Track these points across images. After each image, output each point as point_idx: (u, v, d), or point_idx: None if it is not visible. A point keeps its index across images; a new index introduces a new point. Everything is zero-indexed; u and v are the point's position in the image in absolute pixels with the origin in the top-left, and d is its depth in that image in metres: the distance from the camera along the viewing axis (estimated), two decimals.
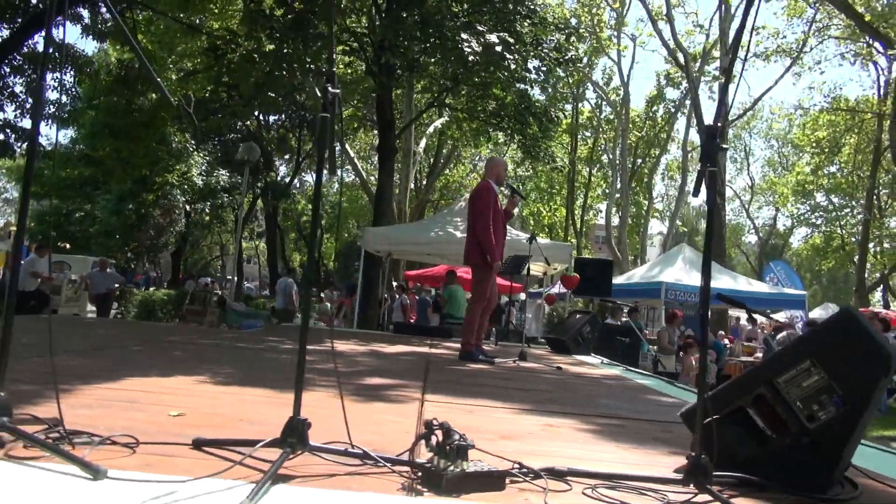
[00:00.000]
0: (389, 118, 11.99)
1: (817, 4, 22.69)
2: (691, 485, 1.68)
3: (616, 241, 27.12)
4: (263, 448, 1.65)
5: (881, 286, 38.33)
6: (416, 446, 1.75)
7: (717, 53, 24.98)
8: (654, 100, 33.12)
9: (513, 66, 9.63)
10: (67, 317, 11.24)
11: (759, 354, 13.45)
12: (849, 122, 30.72)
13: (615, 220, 28.30)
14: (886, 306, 36.06)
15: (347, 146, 24.60)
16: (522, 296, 20.43)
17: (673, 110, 31.99)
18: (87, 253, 20.58)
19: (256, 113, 32.80)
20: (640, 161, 32.81)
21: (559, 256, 9.82)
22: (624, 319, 11.17)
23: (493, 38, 9.05)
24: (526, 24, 9.99)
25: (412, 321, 13.37)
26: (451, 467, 1.58)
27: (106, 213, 21.37)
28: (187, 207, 22.06)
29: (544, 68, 11.12)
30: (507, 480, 1.67)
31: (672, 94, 31.61)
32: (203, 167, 22.44)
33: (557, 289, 14.57)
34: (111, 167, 11.67)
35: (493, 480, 1.63)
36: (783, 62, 25.99)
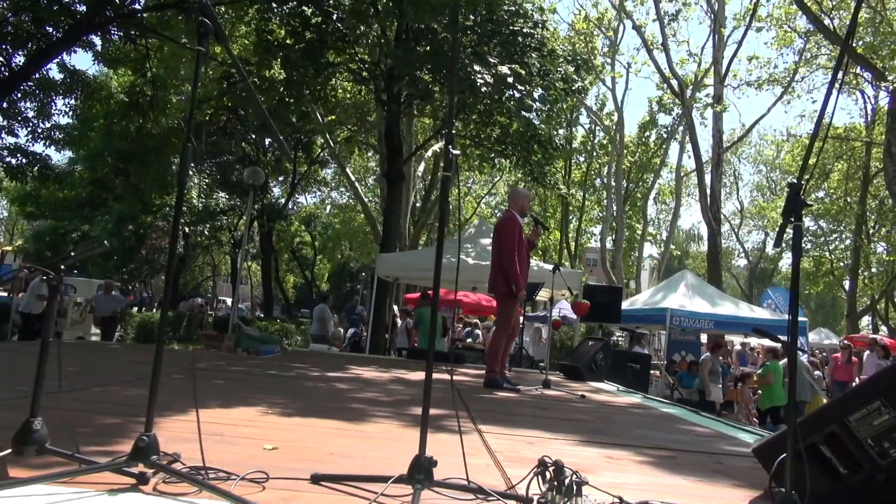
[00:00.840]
0: (397, 146, 12.19)
1: (807, 35, 23.33)
2: None
3: (610, 264, 27.40)
4: (386, 483, 1.78)
5: (870, 311, 38.77)
6: (525, 481, 1.87)
7: (708, 80, 25.63)
8: (647, 125, 33.69)
9: (519, 97, 9.89)
10: (86, 342, 11.26)
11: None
12: (838, 150, 31.38)
13: (609, 244, 28.57)
14: (875, 331, 36.50)
15: (348, 170, 24.79)
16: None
17: (665, 136, 32.55)
18: (84, 275, 20.55)
19: (252, 135, 33.05)
20: (633, 186, 33.27)
21: (570, 283, 9.98)
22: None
23: (504, 69, 9.31)
24: (534, 55, 10.27)
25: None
26: (568, 502, 1.71)
27: (104, 234, 21.36)
28: (186, 229, 22.07)
29: (550, 97, 11.38)
30: None
31: (664, 119, 32.25)
32: (202, 189, 22.54)
33: (559, 313, 14.73)
34: (121, 193, 11.75)
35: None
36: (774, 91, 26.60)
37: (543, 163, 12.61)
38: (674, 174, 34.21)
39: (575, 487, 1.72)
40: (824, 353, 13.15)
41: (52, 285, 1.77)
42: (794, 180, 2.00)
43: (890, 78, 13.06)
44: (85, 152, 19.45)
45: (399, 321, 13.15)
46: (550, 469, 1.78)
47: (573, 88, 10.97)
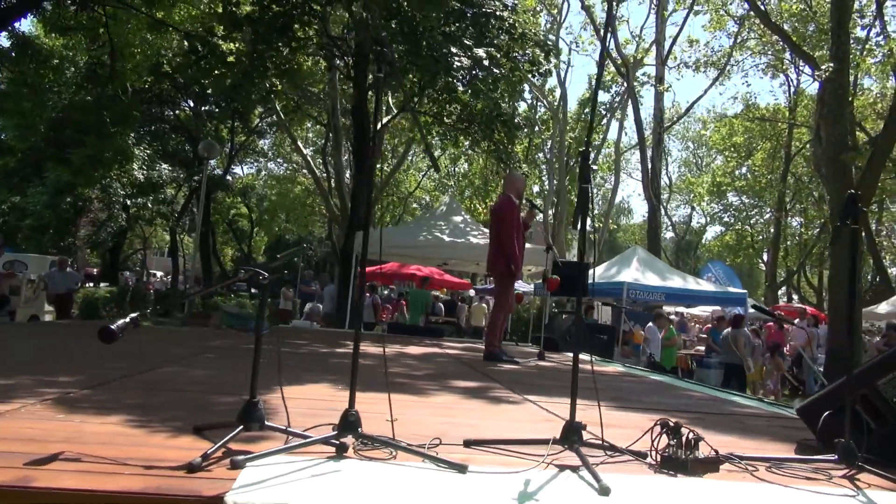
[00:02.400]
0: (366, 124, 12.29)
1: (741, 20, 24.52)
2: (845, 464, 2.28)
3: (552, 239, 28.32)
4: (536, 445, 2.14)
5: (786, 283, 41.41)
6: (642, 439, 2.27)
7: (649, 61, 26.64)
8: (586, 102, 34.57)
9: (484, 76, 10.21)
10: (49, 323, 10.96)
11: (701, 347, 14.71)
12: (764, 130, 33.23)
13: (550, 219, 29.44)
14: (789, 300, 39.20)
15: (300, 143, 24.40)
16: (472, 292, 21.15)
17: (604, 112, 33.53)
18: (14, 249, 19.63)
19: (190, 103, 31.92)
20: (572, 161, 34.21)
21: (539, 259, 10.51)
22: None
23: (480, 52, 9.57)
24: (504, 38, 10.57)
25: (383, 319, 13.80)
26: (689, 454, 2.12)
27: (40, 206, 20.44)
28: (128, 202, 21.36)
29: (514, 78, 11.74)
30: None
31: (603, 96, 33.19)
32: (144, 161, 21.79)
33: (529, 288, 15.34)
34: (79, 167, 11.33)
35: (714, 464, 2.18)
36: (708, 74, 27.85)
37: (506, 142, 12.99)
38: (611, 150, 35.45)
39: (693, 442, 2.13)
40: (758, 322, 14.29)
41: (262, 284, 2.01)
42: (852, 191, 2.44)
43: (823, 67, 14.03)
44: (14, 121, 18.46)
45: (367, 296, 13.38)
46: (670, 428, 2.17)
47: (540, 71, 11.38)
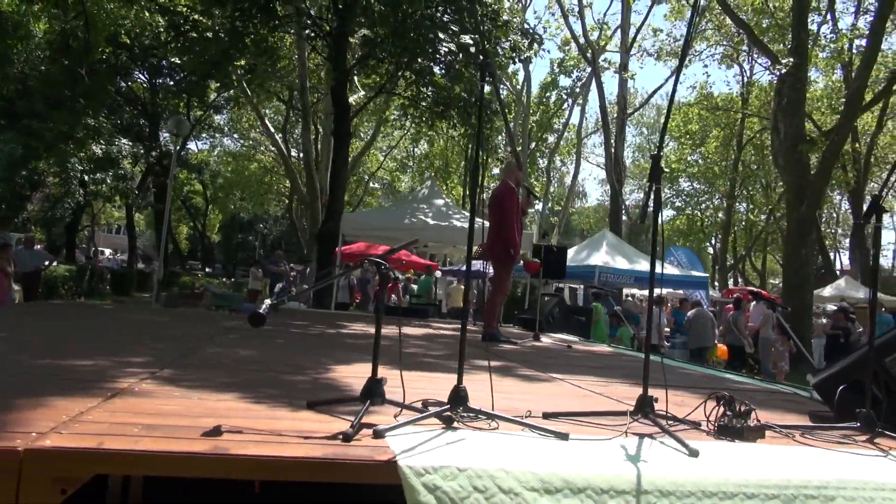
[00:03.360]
0: (345, 104, 12.32)
1: (703, 11, 25.25)
2: (866, 430, 2.64)
3: None
4: (611, 417, 2.43)
5: (734, 268, 43.03)
6: (699, 410, 2.57)
7: (613, 48, 27.21)
8: (548, 86, 34.98)
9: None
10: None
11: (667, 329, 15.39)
12: (717, 119, 34.33)
13: None
14: (735, 283, 40.84)
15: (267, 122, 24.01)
16: (438, 273, 21.44)
17: (566, 97, 34.01)
18: None
19: (146, 75, 30.97)
20: (534, 144, 34.70)
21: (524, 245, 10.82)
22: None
23: (467, 38, 9.74)
24: (488, 25, 10.75)
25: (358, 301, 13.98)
26: (744, 422, 2.44)
27: None
28: (85, 178, 20.74)
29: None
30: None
31: (564, 81, 33.65)
32: (103, 135, 21.17)
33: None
34: (51, 142, 10.96)
35: (761, 431, 2.50)
36: (666, 64, 28.65)
37: (483, 126, 13.21)
38: (572, 134, 36.08)
39: (746, 413, 2.45)
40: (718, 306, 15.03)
41: (382, 274, 2.21)
42: (877, 194, 2.78)
43: (784, 61, 14.68)
44: None
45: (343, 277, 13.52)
46: (725, 400, 2.48)
47: (521, 58, 11.61)
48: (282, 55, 19.99)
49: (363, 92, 17.93)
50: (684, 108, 35.86)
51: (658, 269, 9.94)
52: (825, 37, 20.83)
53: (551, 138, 35.79)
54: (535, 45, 12.16)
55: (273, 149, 44.50)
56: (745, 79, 33.33)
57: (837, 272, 27.51)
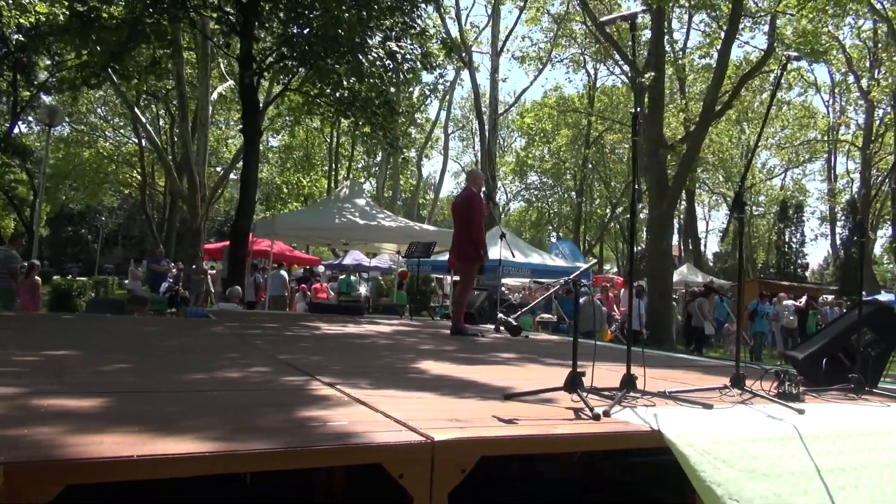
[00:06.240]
0: (255, 102, 12.19)
1: (559, 19, 27.44)
2: (859, 390, 3.65)
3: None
4: (710, 392, 3.21)
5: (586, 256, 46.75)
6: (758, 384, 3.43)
7: (485, 49, 28.68)
8: (409, 81, 35.78)
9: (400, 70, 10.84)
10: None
11: (547, 316, 16.87)
12: (567, 119, 37.27)
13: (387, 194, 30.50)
14: None
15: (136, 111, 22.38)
16: (321, 268, 21.57)
17: (428, 93, 35.09)
18: None
19: None
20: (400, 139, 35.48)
21: (444, 240, 11.43)
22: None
23: (393, 45, 10.14)
24: (411, 32, 11.20)
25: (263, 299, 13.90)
26: (797, 392, 3.33)
27: None
28: None
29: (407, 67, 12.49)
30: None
31: (427, 77, 34.71)
32: None
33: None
34: None
35: (800, 395, 3.41)
36: (526, 69, 30.71)
37: (386, 125, 13.68)
38: (438, 131, 37.29)
39: (799, 383, 3.34)
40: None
41: (577, 289, 2.78)
42: (860, 216, 3.79)
43: (646, 76, 16.62)
44: None
45: (249, 276, 13.34)
46: (783, 374, 3.36)
47: (434, 64, 12.16)
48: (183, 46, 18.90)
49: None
50: (539, 106, 38.53)
51: (550, 261, 11.19)
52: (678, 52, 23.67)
53: (414, 132, 36.83)
54: (454, 54, 12.79)
55: (120, 135, 41.17)
56: (592, 82, 36.39)
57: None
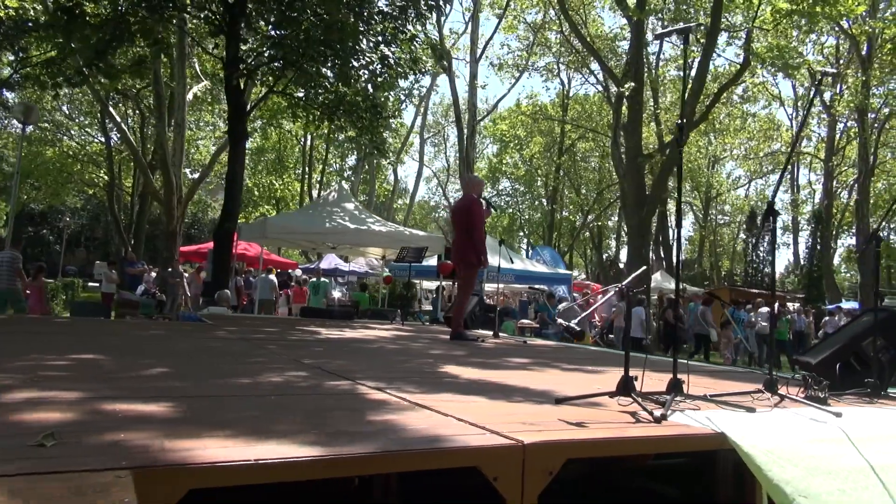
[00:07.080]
0: (241, 104, 12.06)
1: (535, 28, 27.75)
2: (874, 394, 3.79)
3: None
4: (744, 396, 3.30)
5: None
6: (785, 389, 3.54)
7: (464, 56, 28.79)
8: (384, 85, 35.74)
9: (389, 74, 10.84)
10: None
11: (527, 321, 17.00)
12: (541, 127, 37.64)
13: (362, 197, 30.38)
14: None
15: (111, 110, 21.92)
16: (299, 272, 21.40)
17: (403, 98, 35.05)
18: None
19: None
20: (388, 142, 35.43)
21: (434, 246, 11.48)
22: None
23: (387, 51, 10.15)
24: (399, 38, 11.22)
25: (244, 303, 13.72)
26: (822, 394, 3.45)
27: None
28: None
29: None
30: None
31: (403, 83, 34.70)
32: None
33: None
34: None
35: (826, 400, 3.53)
36: (502, 76, 30.97)
37: (372, 129, 13.67)
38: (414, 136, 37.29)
39: (827, 387, 3.46)
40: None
41: (632, 294, 2.83)
42: (874, 228, 3.93)
43: (626, 86, 16.92)
44: None
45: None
46: (809, 378, 3.48)
47: (422, 70, 12.19)
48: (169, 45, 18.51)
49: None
50: (515, 114, 38.83)
51: (531, 267, 11.36)
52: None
53: (389, 137, 36.72)
54: (443, 60, 12.84)
55: (86, 134, 40.24)
56: (567, 90, 36.84)
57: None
